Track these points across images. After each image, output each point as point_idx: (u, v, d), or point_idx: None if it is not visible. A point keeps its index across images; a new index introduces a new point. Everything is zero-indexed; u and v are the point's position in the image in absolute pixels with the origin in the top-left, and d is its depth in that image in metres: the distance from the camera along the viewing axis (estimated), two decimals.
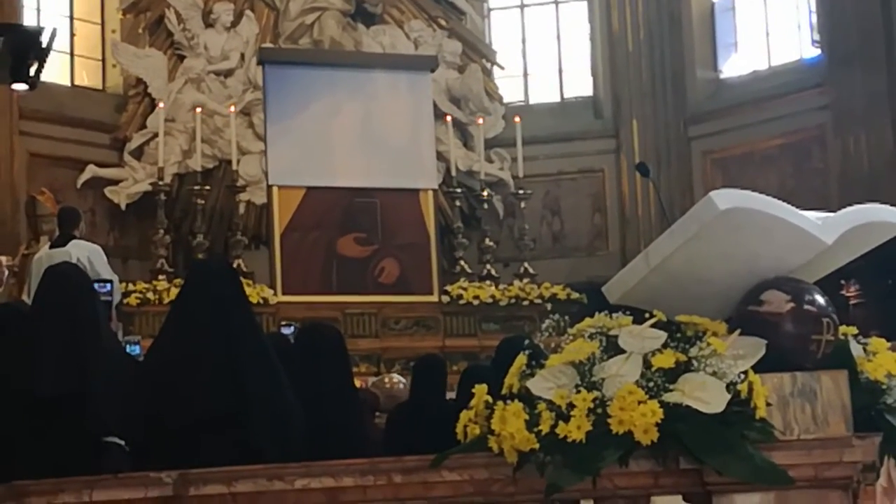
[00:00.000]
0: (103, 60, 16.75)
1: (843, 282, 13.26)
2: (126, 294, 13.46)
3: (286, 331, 10.27)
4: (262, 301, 14.02)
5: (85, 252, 10.38)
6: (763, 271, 3.59)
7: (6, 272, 11.48)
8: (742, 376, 3.34)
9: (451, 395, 6.42)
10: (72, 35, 16.39)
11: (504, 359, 3.79)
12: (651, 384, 3.35)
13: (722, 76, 17.47)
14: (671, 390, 3.34)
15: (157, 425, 4.21)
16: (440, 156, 16.17)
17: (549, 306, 14.64)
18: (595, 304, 3.80)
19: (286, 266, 14.87)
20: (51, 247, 10.83)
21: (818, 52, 15.94)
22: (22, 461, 4.11)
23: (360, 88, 15.86)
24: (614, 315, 3.62)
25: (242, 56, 16.49)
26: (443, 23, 17.51)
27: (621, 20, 17.63)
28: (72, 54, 16.42)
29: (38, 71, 11.09)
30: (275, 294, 14.53)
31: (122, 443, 4.31)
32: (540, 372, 3.53)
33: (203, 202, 15.09)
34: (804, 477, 3.34)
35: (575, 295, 15.05)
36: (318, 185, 15.30)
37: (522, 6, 18.77)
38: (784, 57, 16.80)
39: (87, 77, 16.62)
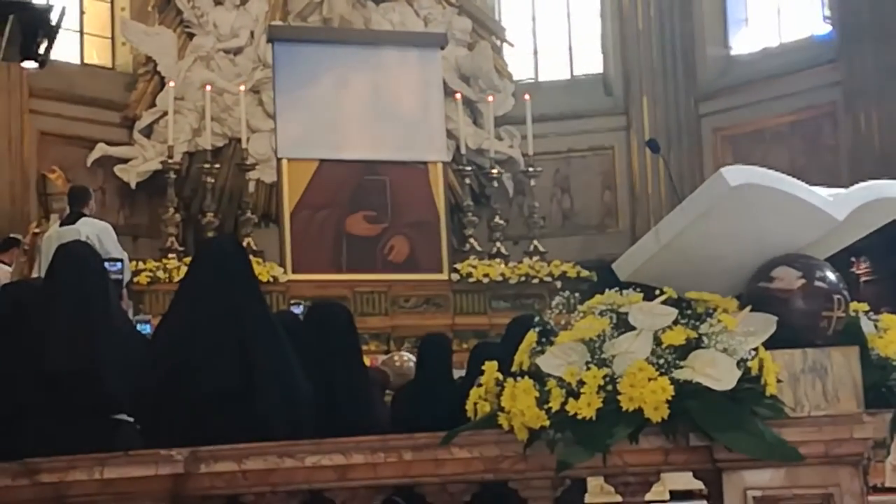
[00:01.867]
0: (113, 38, 16.75)
1: (853, 259, 13.26)
2: (136, 273, 13.47)
3: (296, 310, 10.27)
4: (272, 279, 14.04)
5: (95, 230, 10.39)
6: (774, 248, 3.59)
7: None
8: (752, 353, 3.34)
9: (459, 372, 6.42)
10: (81, 13, 16.40)
11: (515, 337, 3.78)
12: (661, 361, 3.35)
13: (732, 53, 17.42)
14: (681, 367, 3.34)
15: (167, 402, 4.22)
16: (450, 133, 16.15)
17: (559, 284, 14.64)
18: (605, 282, 3.79)
19: (296, 244, 14.88)
20: (61, 225, 10.84)
21: (829, 28, 15.89)
22: (33, 438, 4.12)
23: (369, 64, 15.84)
24: (624, 292, 3.62)
25: (252, 34, 16.49)
26: (453, 0, 17.45)
27: None
28: (81, 32, 16.42)
29: (48, 49, 11.09)
30: (285, 272, 14.54)
31: (133, 420, 4.31)
32: (550, 349, 3.53)
33: (213, 180, 15.10)
34: (814, 453, 3.34)
35: (585, 273, 15.05)
36: (327, 158, 15.27)
37: None
38: (795, 33, 16.75)
39: (97, 55, 16.63)
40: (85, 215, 10.77)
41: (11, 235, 12.33)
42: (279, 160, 15.16)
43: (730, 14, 17.49)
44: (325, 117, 15.38)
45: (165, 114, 15.38)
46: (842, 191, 3.74)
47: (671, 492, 7.54)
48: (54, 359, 4.28)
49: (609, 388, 3.34)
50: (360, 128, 15.58)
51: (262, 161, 15.66)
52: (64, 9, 11.31)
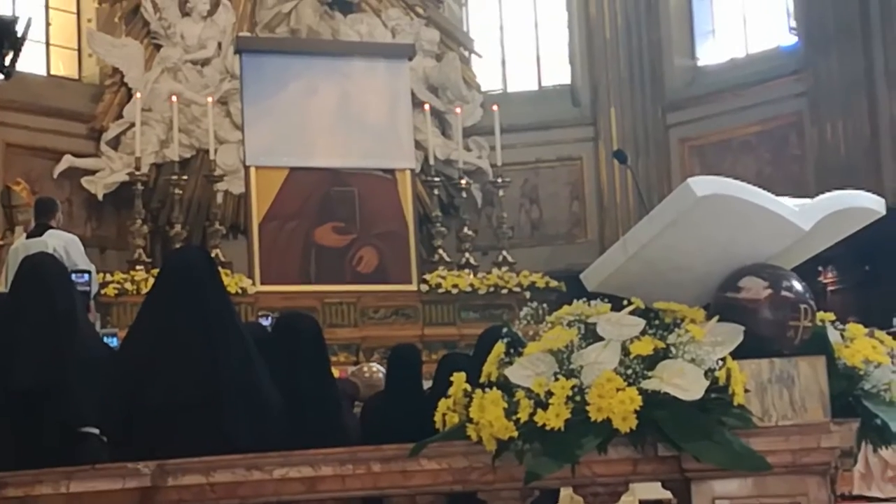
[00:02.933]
0: (79, 50, 16.69)
1: (820, 268, 13.33)
2: (104, 285, 13.41)
3: (264, 322, 10.22)
4: (240, 291, 14.00)
5: (62, 242, 10.32)
6: (741, 258, 3.59)
7: None
8: (720, 363, 3.34)
9: (429, 383, 6.41)
10: (47, 24, 16.33)
11: (486, 349, 3.78)
12: (629, 371, 3.35)
13: (699, 63, 17.51)
14: (650, 377, 3.34)
15: (134, 413, 4.19)
16: (418, 144, 16.16)
17: (527, 294, 14.66)
18: (574, 292, 3.80)
19: (264, 256, 14.85)
20: (27, 237, 10.77)
21: (795, 39, 15.99)
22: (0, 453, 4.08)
23: (337, 74, 15.84)
24: (592, 303, 3.62)
25: (219, 45, 16.46)
26: (420, 11, 17.50)
27: (598, 8, 17.66)
28: (47, 44, 16.35)
29: (14, 60, 11.04)
30: (253, 284, 14.50)
31: (99, 433, 4.29)
32: (518, 360, 3.52)
33: (181, 192, 15.06)
34: (782, 463, 3.35)
35: (553, 283, 15.08)
36: (295, 166, 15.25)
37: None
38: (761, 44, 16.85)
39: (63, 67, 16.56)
40: (52, 227, 10.70)
41: None
42: (247, 168, 15.12)
43: (697, 25, 17.58)
44: (293, 125, 15.36)
45: (132, 125, 15.32)
46: (808, 201, 3.75)
47: (640, 501, 7.56)
48: (20, 375, 4.25)
49: (577, 398, 3.34)
50: (329, 136, 15.57)
51: (229, 172, 15.63)
52: (30, 20, 11.26)
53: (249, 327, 5.36)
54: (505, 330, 3.76)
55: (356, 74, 15.95)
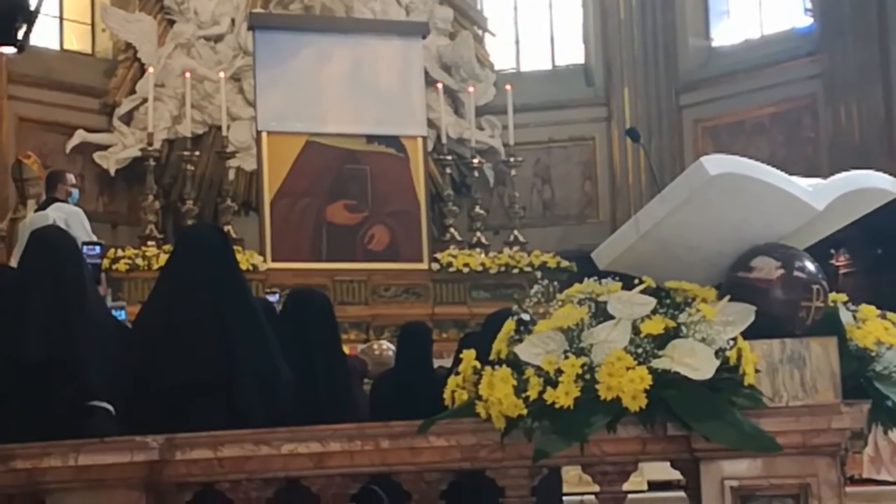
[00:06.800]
0: (93, 24, 16.66)
1: (832, 251, 13.28)
2: (115, 260, 13.44)
3: (271, 298, 10.23)
4: (251, 268, 13.99)
5: (62, 214, 10.31)
6: (753, 238, 3.58)
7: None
8: (731, 343, 3.33)
9: (439, 361, 6.41)
10: None
11: (492, 332, 3.77)
12: (640, 350, 3.34)
13: (714, 44, 17.43)
14: (660, 356, 3.33)
15: (145, 389, 4.20)
16: (431, 123, 16.12)
17: (538, 274, 14.60)
18: (585, 272, 3.78)
19: (276, 233, 14.84)
20: (35, 211, 10.78)
21: (810, 20, 15.91)
22: (8, 425, 4.09)
23: (350, 51, 15.83)
24: (603, 281, 3.61)
25: (233, 21, 16.42)
26: None
27: None
28: (61, 18, 16.33)
29: (27, 34, 11.05)
30: (264, 261, 14.50)
31: (109, 407, 4.29)
32: (528, 338, 3.51)
33: (193, 168, 15.05)
34: (792, 444, 3.34)
35: (565, 263, 15.04)
36: (307, 131, 15.22)
37: None
38: (776, 25, 16.77)
39: (77, 41, 16.54)
40: (58, 200, 10.70)
41: None
42: (259, 134, 15.09)
43: (711, 5, 17.50)
44: (305, 92, 15.33)
45: (145, 101, 15.30)
46: (821, 181, 3.73)
47: (649, 482, 7.57)
48: (29, 348, 4.25)
49: (587, 377, 3.34)
50: (341, 103, 15.51)
51: (242, 149, 15.62)
52: None
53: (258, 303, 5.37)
54: (515, 308, 3.75)
55: (369, 50, 15.93)
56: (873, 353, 3.72)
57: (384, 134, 15.51)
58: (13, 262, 10.21)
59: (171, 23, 16.33)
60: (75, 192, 11.12)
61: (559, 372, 3.35)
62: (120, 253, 13.72)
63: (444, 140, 15.88)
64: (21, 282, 4.47)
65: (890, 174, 4.01)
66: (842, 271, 13.64)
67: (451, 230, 15.78)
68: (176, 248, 4.78)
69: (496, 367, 3.49)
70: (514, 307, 3.74)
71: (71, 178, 11.27)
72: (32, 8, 10.92)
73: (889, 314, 3.91)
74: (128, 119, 15.88)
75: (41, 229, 4.83)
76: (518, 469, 3.57)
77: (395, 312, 14.42)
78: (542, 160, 17.66)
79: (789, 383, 3.38)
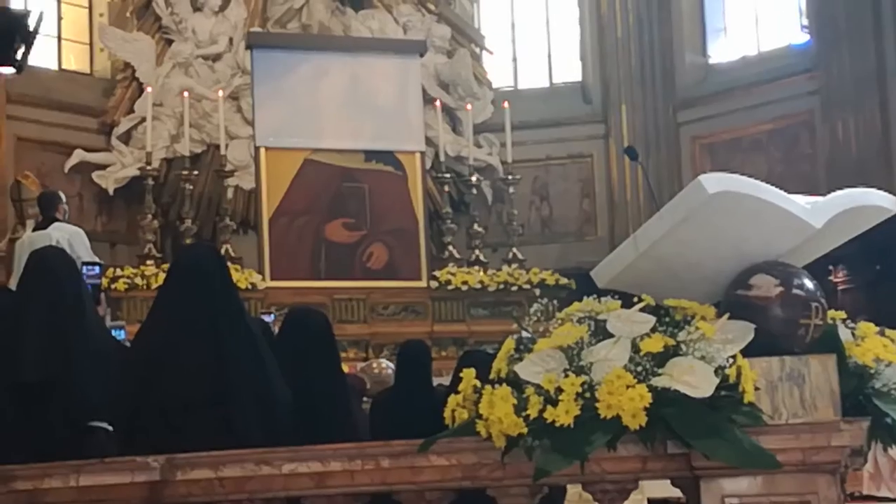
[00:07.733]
0: (91, 44, 16.69)
1: (831, 267, 13.29)
2: (114, 279, 13.44)
3: (267, 318, 10.24)
4: (250, 286, 14.01)
5: (65, 234, 10.34)
6: (752, 255, 3.58)
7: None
8: (730, 360, 3.33)
9: (438, 380, 6.41)
10: (59, 18, 16.33)
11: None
12: (639, 368, 3.35)
13: (711, 61, 17.46)
14: (659, 374, 3.33)
15: (144, 409, 4.19)
16: (429, 141, 16.15)
17: (537, 292, 14.63)
18: (584, 290, 3.79)
19: (274, 251, 14.86)
20: (33, 230, 10.79)
21: (807, 37, 15.94)
22: (8, 446, 4.09)
23: (348, 68, 15.89)
24: (603, 299, 3.61)
25: (231, 40, 16.46)
26: (432, 7, 17.47)
27: (610, 5, 17.62)
28: (59, 38, 16.36)
29: (26, 55, 11.06)
30: (263, 279, 14.51)
31: (108, 426, 4.29)
32: (528, 356, 3.52)
33: (191, 187, 15.06)
34: (792, 461, 3.34)
35: (564, 280, 15.06)
36: (305, 147, 15.24)
37: None
38: (773, 42, 16.80)
39: (75, 61, 16.57)
40: (58, 219, 10.71)
41: None
42: (258, 150, 15.12)
43: (708, 22, 17.54)
44: (303, 108, 15.37)
45: (143, 120, 15.33)
46: (820, 198, 3.74)
47: (649, 500, 7.55)
48: (28, 368, 4.25)
49: (587, 395, 3.34)
50: (339, 119, 15.57)
51: (240, 168, 15.64)
52: (41, 14, 11.27)
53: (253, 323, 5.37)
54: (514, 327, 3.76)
55: (367, 68, 15.98)
56: (872, 371, 3.72)
57: (382, 149, 15.53)
58: (12, 283, 10.24)
59: (170, 42, 16.36)
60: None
61: (559, 390, 3.35)
62: (119, 272, 13.74)
63: (442, 158, 15.90)
64: (20, 301, 4.47)
65: (887, 189, 4.02)
66: (840, 288, 13.64)
67: (450, 248, 15.79)
68: (171, 269, 4.78)
69: (496, 385, 3.49)
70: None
71: (64, 197, 11.33)
72: (31, 28, 10.92)
73: (888, 331, 3.90)
74: (126, 138, 15.89)
75: (40, 250, 4.83)
76: (519, 488, 3.57)
77: (394, 330, 14.43)
78: (541, 177, 17.68)
79: (789, 401, 3.39)
